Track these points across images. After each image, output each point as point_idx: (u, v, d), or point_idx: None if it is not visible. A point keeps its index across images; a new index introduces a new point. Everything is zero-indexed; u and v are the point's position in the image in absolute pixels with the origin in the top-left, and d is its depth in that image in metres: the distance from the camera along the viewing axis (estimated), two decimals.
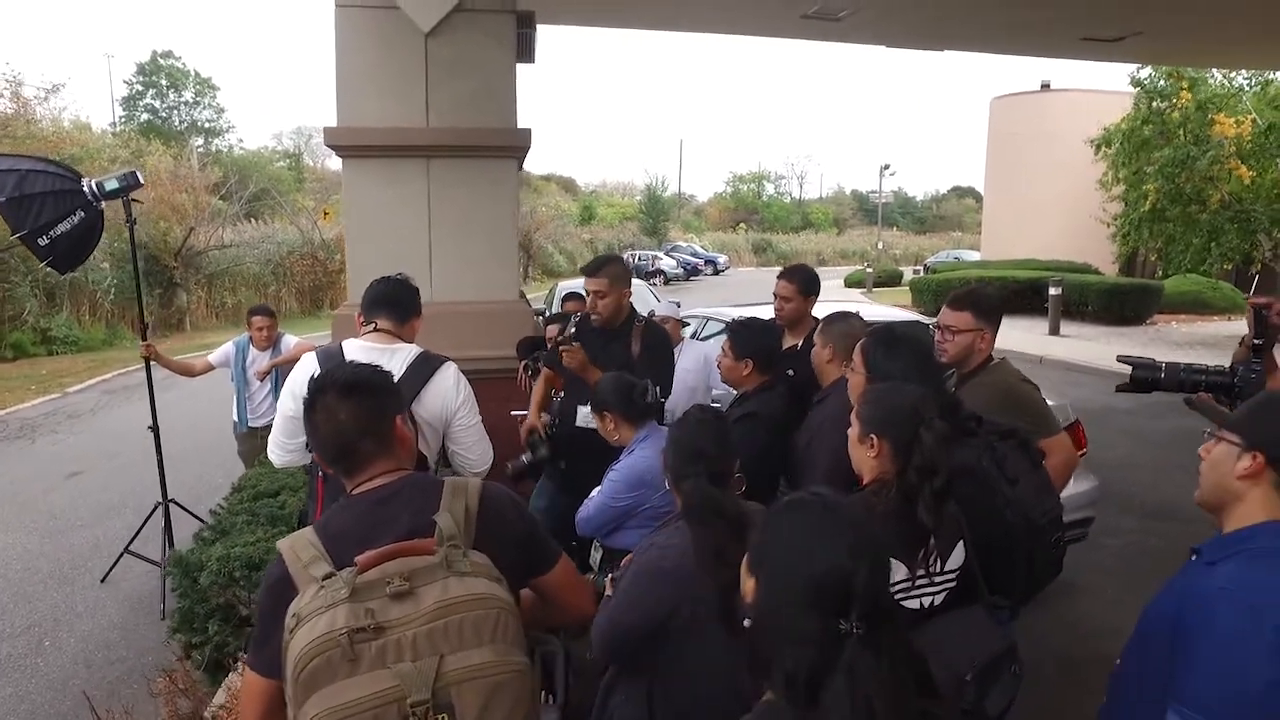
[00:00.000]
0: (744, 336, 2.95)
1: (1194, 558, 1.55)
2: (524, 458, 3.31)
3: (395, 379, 2.29)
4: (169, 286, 17.91)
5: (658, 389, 2.69)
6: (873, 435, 1.81)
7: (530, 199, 42.83)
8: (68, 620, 4.35)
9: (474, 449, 2.46)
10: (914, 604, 1.74)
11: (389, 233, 4.76)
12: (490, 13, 4.82)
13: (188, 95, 46.71)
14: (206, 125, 46.64)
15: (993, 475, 1.98)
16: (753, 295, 10.42)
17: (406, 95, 4.71)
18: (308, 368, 2.37)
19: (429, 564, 1.26)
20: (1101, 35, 8.10)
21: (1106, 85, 26.07)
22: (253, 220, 25.54)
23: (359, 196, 4.80)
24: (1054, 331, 15.40)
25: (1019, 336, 15.13)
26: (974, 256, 32.47)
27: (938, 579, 1.76)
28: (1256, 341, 2.32)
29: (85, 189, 4.22)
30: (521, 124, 4.90)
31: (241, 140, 46.71)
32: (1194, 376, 2.22)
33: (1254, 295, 2.52)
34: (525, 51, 5.54)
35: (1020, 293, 18.40)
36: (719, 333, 6.22)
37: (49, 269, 4.51)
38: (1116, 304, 16.71)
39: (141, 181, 4.42)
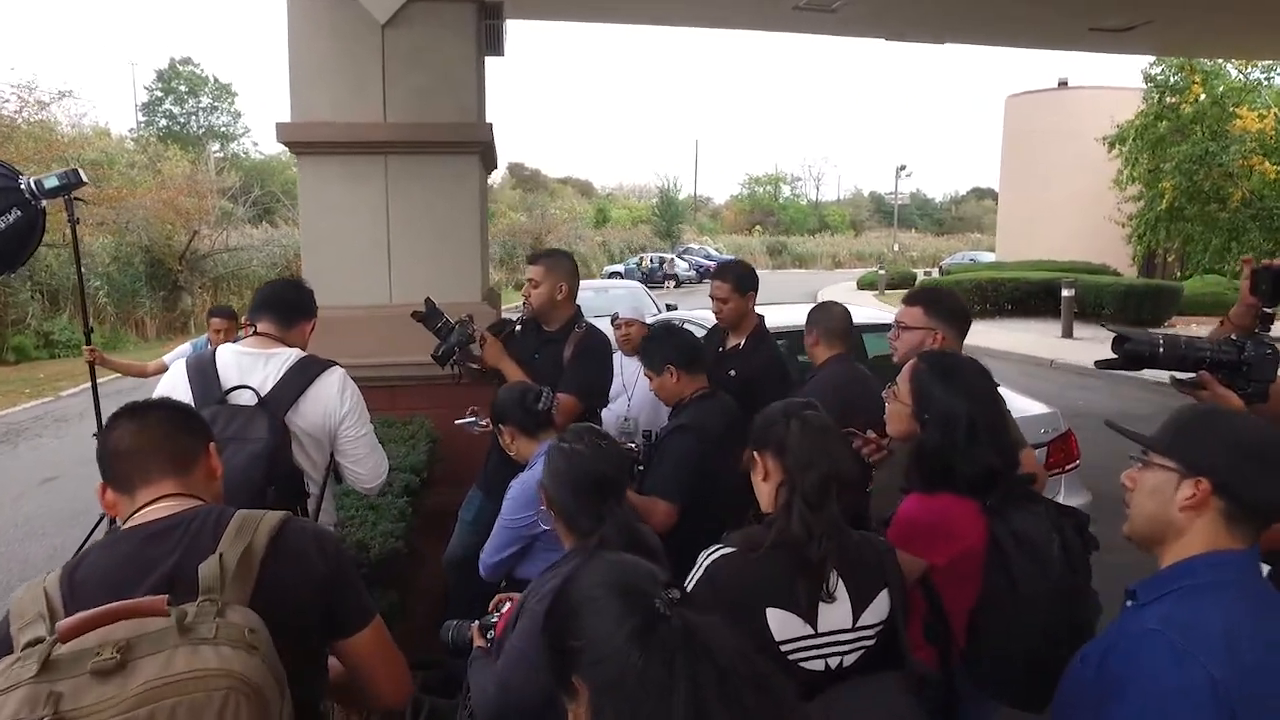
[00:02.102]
0: (652, 349, 2.73)
1: (1129, 602, 1.31)
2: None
3: (270, 386, 2.10)
4: (173, 289, 17.91)
5: (554, 397, 2.46)
6: (754, 453, 1.57)
7: (545, 201, 42.83)
8: None
9: (364, 462, 2.23)
10: (817, 664, 1.47)
11: (346, 233, 4.57)
12: (451, 3, 4.62)
13: (205, 101, 47.16)
14: (223, 130, 47.07)
15: (1058, 564, 1.65)
16: (762, 297, 10.10)
17: (362, 89, 4.52)
18: (174, 380, 2.15)
19: (161, 628, 1.01)
20: (1109, 25, 7.76)
21: (1127, 81, 25.48)
22: (264, 224, 25.63)
23: (314, 196, 4.61)
24: (1067, 334, 14.98)
25: (1031, 339, 14.74)
26: (990, 258, 31.96)
27: (846, 635, 1.50)
28: (1267, 310, 1.97)
29: (22, 186, 4.04)
30: (495, 120, 4.70)
31: (258, 145, 46.96)
32: (1196, 353, 1.85)
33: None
34: (493, 44, 5.33)
35: (1034, 294, 17.98)
36: None
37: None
38: (1133, 306, 16.24)
39: (84, 179, 4.22)
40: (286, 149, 4.59)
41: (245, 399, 2.04)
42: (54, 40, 79.67)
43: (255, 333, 2.22)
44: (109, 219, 16.26)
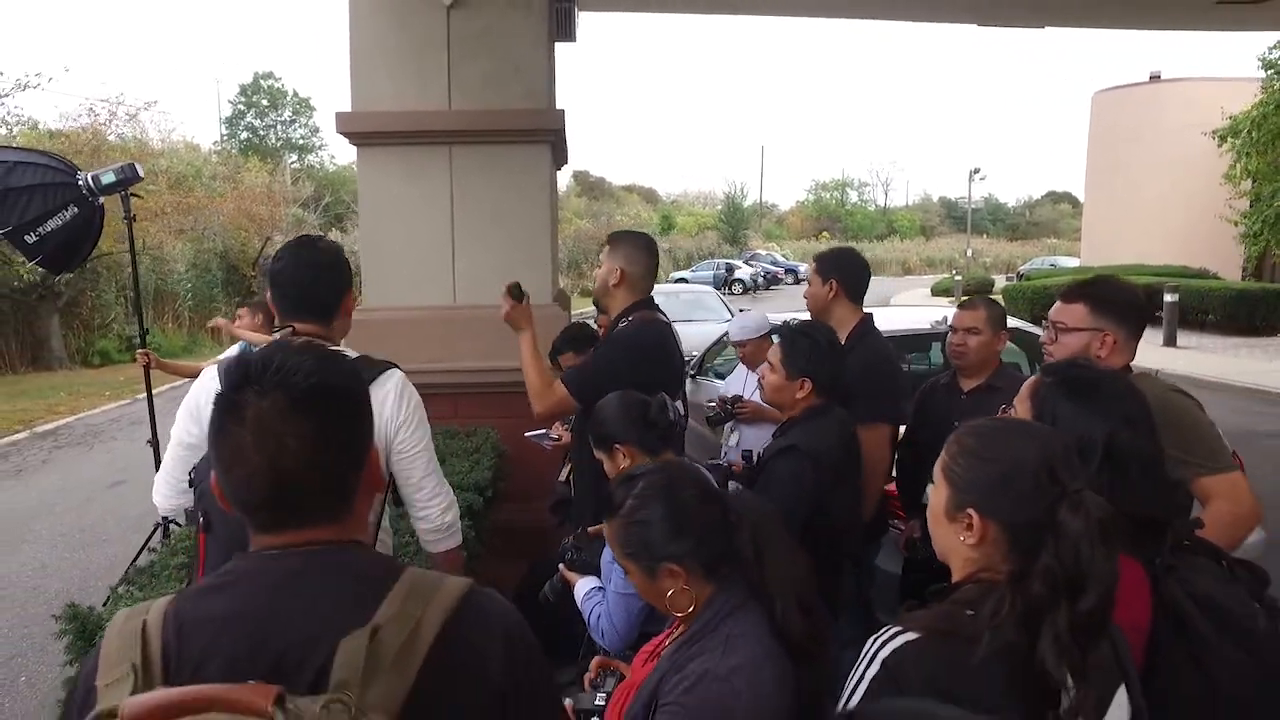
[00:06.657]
0: (802, 349, 2.24)
1: None
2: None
3: None
4: (247, 295, 18.27)
5: (678, 404, 2.04)
6: (971, 510, 1.11)
7: (610, 208, 42.75)
8: (55, 652, 3.98)
9: (423, 486, 1.86)
10: None
11: (407, 229, 4.29)
12: None
13: (286, 114, 48.56)
14: (300, 143, 48.35)
15: (1269, 644, 1.23)
16: None
17: (426, 75, 4.24)
18: (210, 385, 1.82)
19: None
20: None
21: (1224, 74, 23.77)
22: (338, 231, 26.11)
23: (374, 190, 4.34)
24: (1170, 343, 13.89)
25: None
26: (1072, 263, 30.39)
27: None
28: None
29: (80, 182, 3.88)
30: (562, 112, 4.34)
31: (334, 156, 48.15)
32: None
33: None
34: (564, 29, 5.00)
35: None
36: None
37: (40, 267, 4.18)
38: (1244, 312, 14.98)
39: (141, 174, 4.06)
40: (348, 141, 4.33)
41: None
42: (147, 62, 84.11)
43: (293, 334, 1.85)
44: (187, 226, 16.68)
